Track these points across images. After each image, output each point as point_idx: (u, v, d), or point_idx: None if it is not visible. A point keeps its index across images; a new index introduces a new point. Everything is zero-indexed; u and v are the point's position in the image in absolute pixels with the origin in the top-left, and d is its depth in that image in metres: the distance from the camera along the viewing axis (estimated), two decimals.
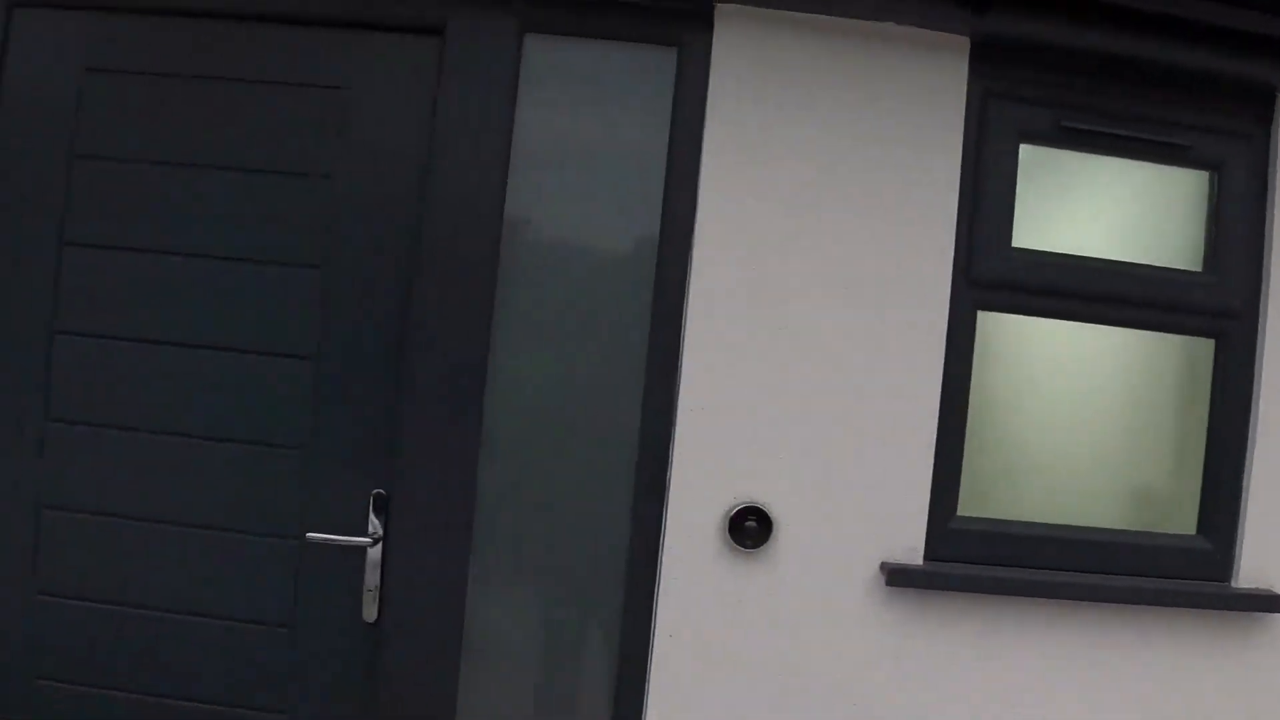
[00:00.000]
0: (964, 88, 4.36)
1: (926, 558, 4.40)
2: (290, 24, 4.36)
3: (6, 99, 4.42)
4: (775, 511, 4.30)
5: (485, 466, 4.30)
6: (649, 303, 4.34)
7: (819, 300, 4.30)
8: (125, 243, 4.37)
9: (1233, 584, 4.55)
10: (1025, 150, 4.48)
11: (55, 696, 4.47)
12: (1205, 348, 4.60)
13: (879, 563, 4.34)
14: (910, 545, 4.35)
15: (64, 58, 4.44)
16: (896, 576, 4.27)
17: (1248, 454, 4.56)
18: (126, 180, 4.38)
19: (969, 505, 4.47)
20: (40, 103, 4.44)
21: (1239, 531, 4.56)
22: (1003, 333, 4.54)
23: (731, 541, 4.28)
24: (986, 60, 4.39)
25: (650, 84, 4.37)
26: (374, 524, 4.24)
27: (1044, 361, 4.67)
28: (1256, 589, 4.50)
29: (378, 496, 4.24)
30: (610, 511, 4.36)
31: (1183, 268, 4.58)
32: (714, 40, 4.31)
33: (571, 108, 4.36)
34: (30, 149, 4.41)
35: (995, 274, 4.43)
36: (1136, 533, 4.57)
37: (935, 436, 4.36)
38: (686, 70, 4.33)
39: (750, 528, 4.28)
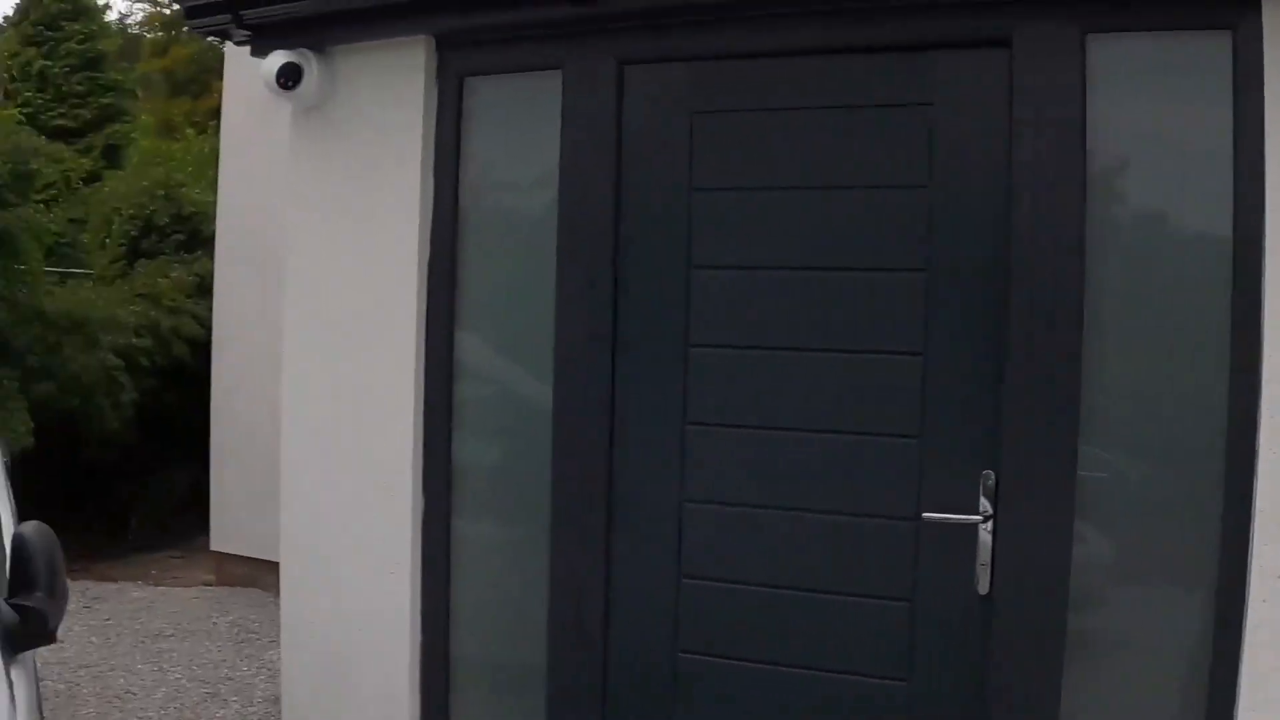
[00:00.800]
0: None
1: None
2: (873, 52, 4.78)
3: (626, 144, 5.03)
4: None
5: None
6: (1225, 302, 4.31)
7: None
8: (743, 262, 4.92)
9: None
10: None
11: (695, 667, 5.07)
12: None
13: None
14: None
15: (673, 104, 5.02)
16: None
17: None
18: (739, 207, 4.92)
19: None
20: (656, 146, 5.04)
21: None
22: None
23: None
24: None
25: (1206, 71, 4.39)
26: (984, 504, 4.59)
27: None
28: None
29: (986, 478, 4.59)
30: (1197, 499, 4.43)
31: None
32: (1263, 21, 4.20)
33: (1136, 103, 4.52)
34: (653, 186, 5.02)
35: None
36: None
37: None
38: (1242, 54, 4.28)
39: None
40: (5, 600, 3.23)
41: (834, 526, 4.82)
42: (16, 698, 3.11)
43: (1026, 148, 4.50)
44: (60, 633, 3.41)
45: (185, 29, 27.51)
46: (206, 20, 6.05)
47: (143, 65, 30.90)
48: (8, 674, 3.09)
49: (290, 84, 5.55)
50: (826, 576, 4.85)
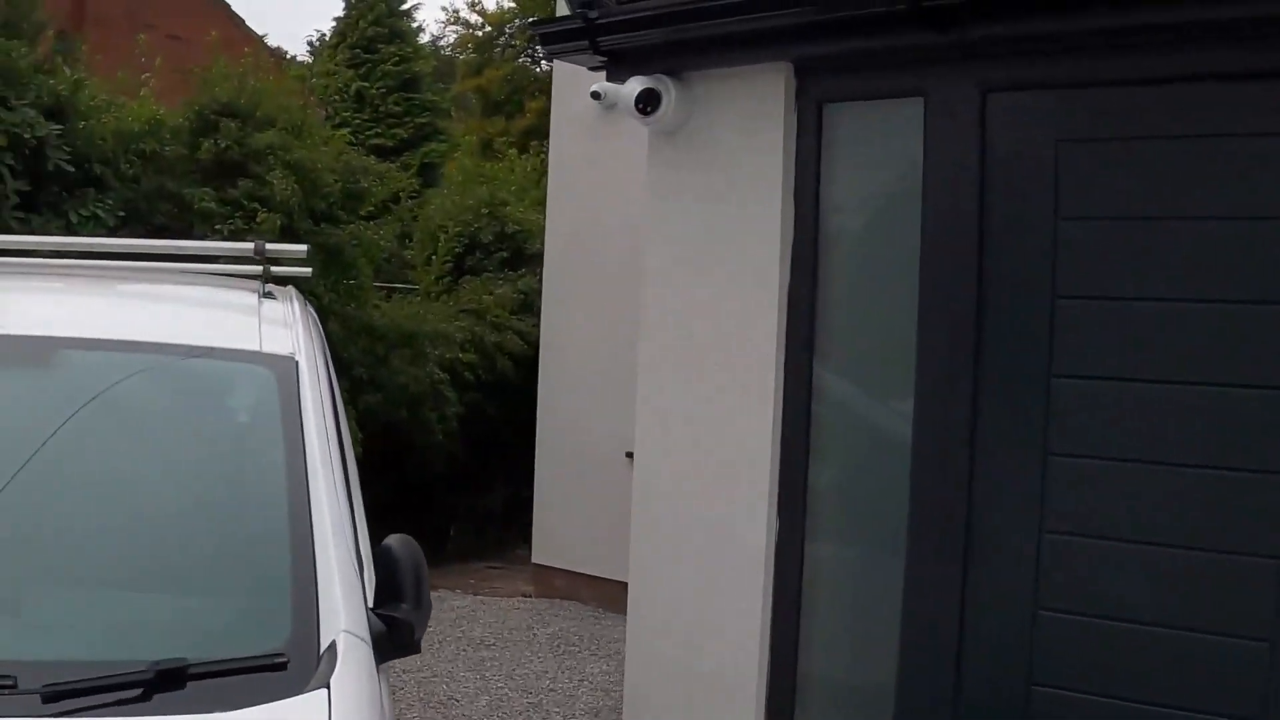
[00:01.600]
0: None
1: None
2: (1261, 79, 4.60)
3: (990, 172, 5.01)
4: None
5: None
6: None
7: None
8: (1113, 293, 4.83)
9: None
10: None
11: (1048, 701, 4.98)
12: None
13: None
14: None
15: (1039, 132, 4.97)
16: None
17: None
18: (1109, 237, 4.83)
19: None
20: (1021, 174, 4.99)
21: None
22: None
23: None
24: None
25: None
26: None
27: None
28: None
29: None
30: None
31: None
32: None
33: None
34: (1018, 214, 4.97)
35: None
36: None
37: None
38: None
39: None
40: (372, 610, 3.32)
41: (1197, 562, 4.70)
42: (384, 706, 3.20)
43: None
44: None
45: (498, 50, 28.14)
46: (562, 46, 6.22)
47: (457, 86, 31.80)
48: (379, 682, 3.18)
49: (648, 110, 5.65)
50: (1186, 613, 4.73)
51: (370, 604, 3.33)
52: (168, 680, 2.72)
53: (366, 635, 3.16)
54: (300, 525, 3.38)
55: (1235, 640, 4.65)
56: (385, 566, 3.36)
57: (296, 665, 2.88)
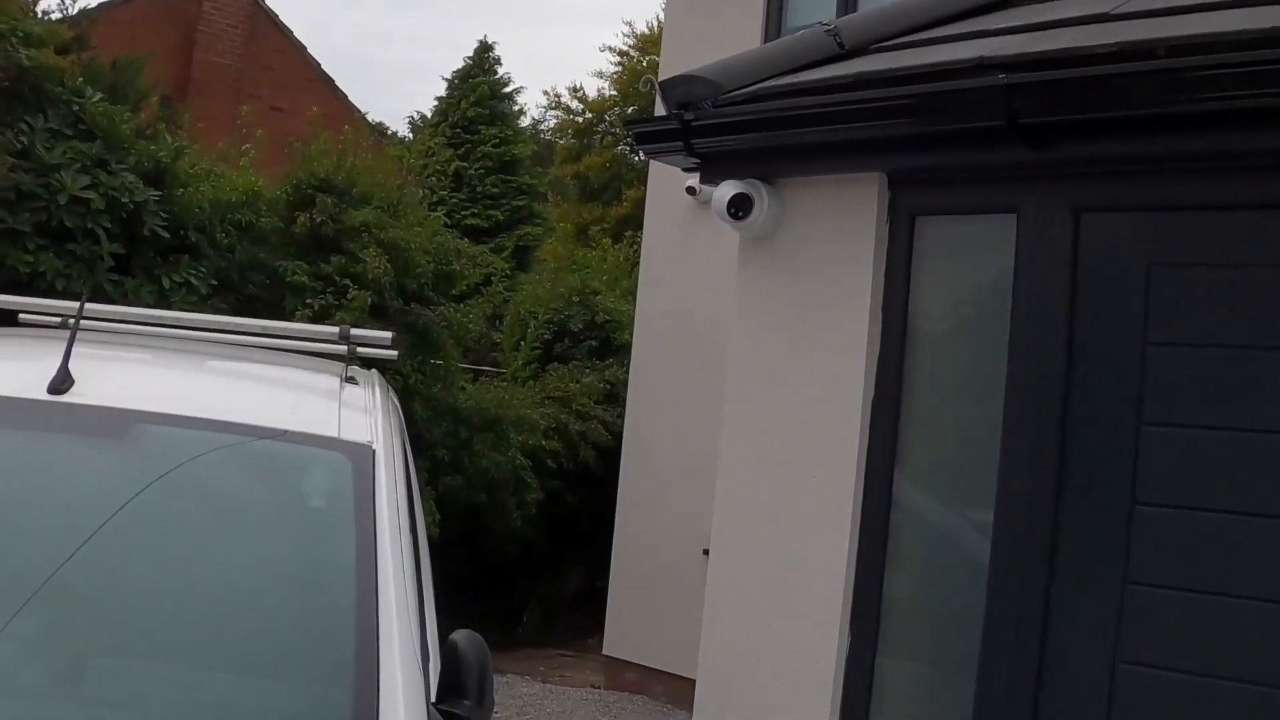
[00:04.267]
0: None
1: None
2: None
3: (1080, 292, 4.95)
4: None
5: None
6: None
7: None
8: (1200, 422, 4.74)
9: None
10: None
11: None
12: None
13: None
14: None
15: (1131, 253, 4.93)
16: None
17: None
18: (1198, 364, 4.76)
19: None
20: (1112, 295, 4.94)
21: None
22: None
23: None
24: None
25: None
26: None
27: None
28: None
29: None
30: None
31: None
32: None
33: None
34: (1107, 337, 4.91)
35: None
36: None
37: None
38: None
39: None
40: (434, 705, 3.32)
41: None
42: None
43: None
44: None
45: (598, 136, 28.49)
46: (656, 146, 6.26)
47: (555, 170, 32.14)
48: None
49: (740, 214, 5.67)
50: None
51: (433, 698, 3.32)
52: None
53: None
54: (366, 617, 3.40)
55: None
56: (450, 662, 3.36)
57: None
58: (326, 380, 4.59)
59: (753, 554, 5.69)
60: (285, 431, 3.99)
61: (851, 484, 5.36)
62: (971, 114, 5.03)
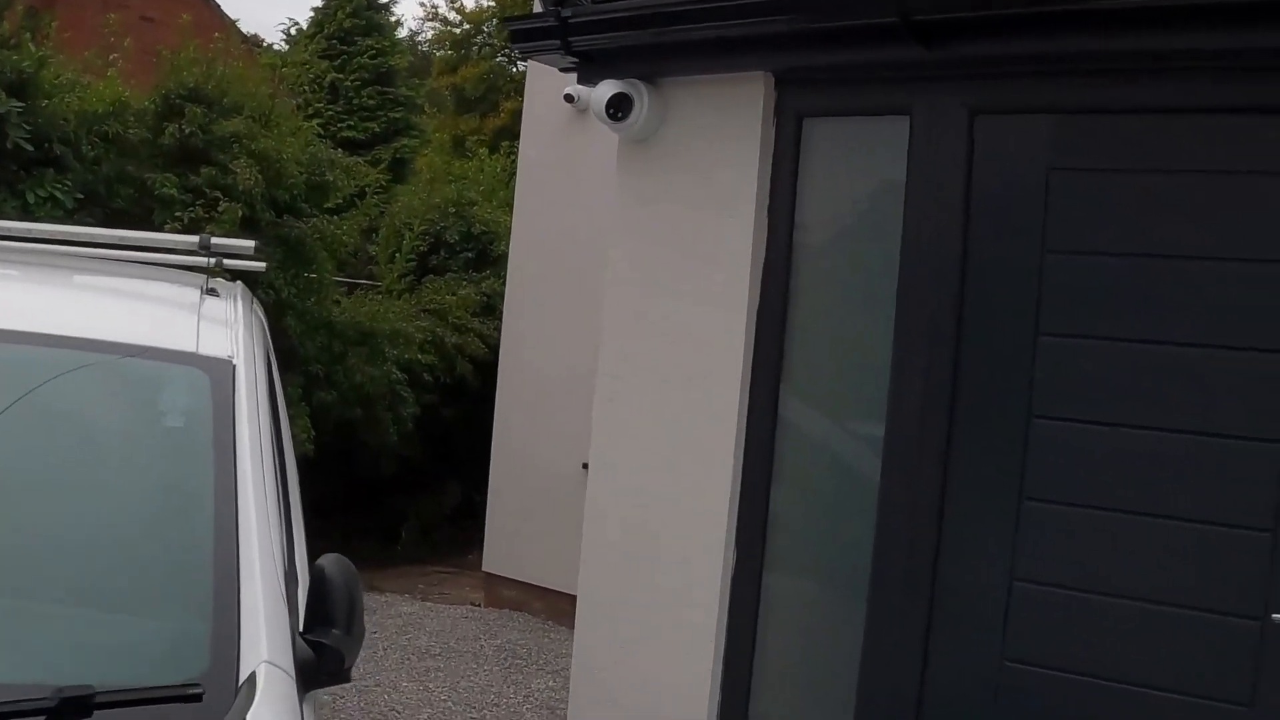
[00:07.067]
0: None
1: None
2: (1265, 113, 4.40)
3: (975, 198, 4.79)
4: None
5: None
6: None
7: None
8: (1096, 332, 4.62)
9: None
10: None
11: None
12: None
13: None
14: None
15: (1029, 159, 4.77)
16: None
17: None
18: (1096, 272, 4.62)
19: None
20: (1008, 202, 4.78)
21: None
22: None
23: None
24: None
25: None
26: None
27: None
28: None
29: None
30: None
31: None
32: None
33: None
34: (1003, 245, 4.77)
35: None
36: None
37: None
38: None
39: None
40: (301, 635, 3.12)
41: (1175, 620, 4.49)
42: None
43: None
44: None
45: (475, 48, 28.03)
46: (533, 45, 6.03)
47: (432, 81, 31.62)
48: (301, 713, 2.99)
49: (620, 115, 5.44)
50: (1161, 673, 4.52)
51: (300, 627, 3.14)
52: (72, 709, 2.50)
53: (290, 666, 2.96)
54: (226, 545, 3.16)
55: (1213, 703, 4.45)
56: (318, 590, 3.15)
57: (212, 697, 2.68)
58: (186, 293, 4.33)
59: (633, 469, 5.52)
60: (139, 346, 3.74)
61: (735, 396, 5.19)
62: (861, 9, 4.83)
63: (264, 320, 4.75)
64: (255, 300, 4.80)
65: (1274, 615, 4.30)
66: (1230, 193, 4.45)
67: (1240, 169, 4.44)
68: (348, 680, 3.24)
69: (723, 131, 5.33)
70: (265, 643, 2.93)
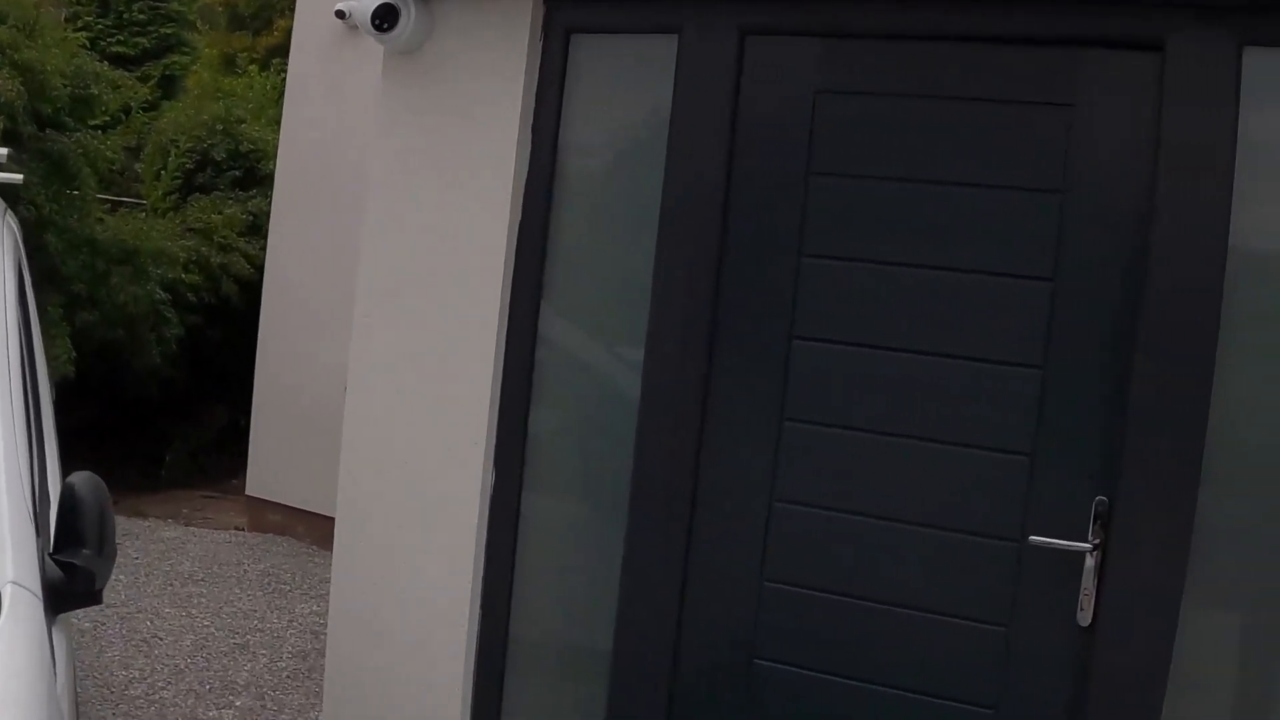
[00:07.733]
0: None
1: None
2: (1015, 44, 4.49)
3: (742, 120, 4.77)
4: None
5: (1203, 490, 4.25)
6: None
7: None
8: (859, 255, 4.65)
9: None
10: None
11: (771, 676, 4.82)
12: None
13: None
14: None
15: (796, 81, 4.76)
16: None
17: None
18: (860, 196, 4.65)
19: None
20: (775, 124, 4.77)
21: None
22: None
23: None
24: None
25: None
26: (1094, 530, 4.33)
27: None
28: None
29: (1099, 504, 4.32)
30: None
31: None
32: None
33: None
34: (768, 166, 4.76)
35: None
36: None
37: None
38: None
39: None
40: (51, 556, 3.03)
41: (932, 541, 4.57)
42: (57, 661, 2.93)
43: (1171, 159, 4.22)
44: None
45: None
46: None
47: None
48: (50, 636, 2.89)
49: (386, 26, 5.28)
50: (919, 593, 4.60)
51: (50, 549, 3.06)
52: None
53: (38, 587, 2.89)
54: None
55: (968, 623, 4.54)
56: (67, 509, 3.07)
57: None
58: None
59: (389, 388, 5.40)
60: None
61: (495, 313, 5.09)
62: None
63: (18, 233, 4.54)
64: (9, 212, 4.59)
65: (1031, 538, 4.37)
66: (991, 121, 4.51)
67: (1002, 98, 4.50)
68: (99, 602, 3.17)
69: (491, 46, 5.19)
70: (10, 563, 2.86)
